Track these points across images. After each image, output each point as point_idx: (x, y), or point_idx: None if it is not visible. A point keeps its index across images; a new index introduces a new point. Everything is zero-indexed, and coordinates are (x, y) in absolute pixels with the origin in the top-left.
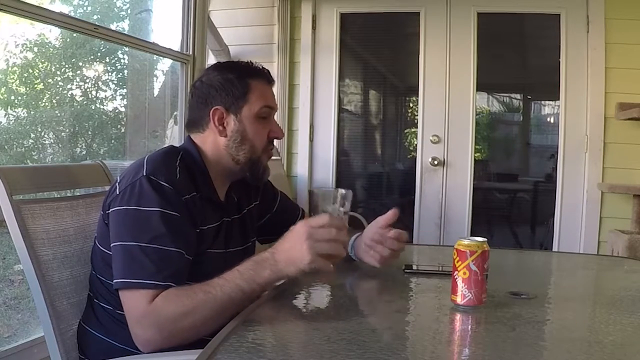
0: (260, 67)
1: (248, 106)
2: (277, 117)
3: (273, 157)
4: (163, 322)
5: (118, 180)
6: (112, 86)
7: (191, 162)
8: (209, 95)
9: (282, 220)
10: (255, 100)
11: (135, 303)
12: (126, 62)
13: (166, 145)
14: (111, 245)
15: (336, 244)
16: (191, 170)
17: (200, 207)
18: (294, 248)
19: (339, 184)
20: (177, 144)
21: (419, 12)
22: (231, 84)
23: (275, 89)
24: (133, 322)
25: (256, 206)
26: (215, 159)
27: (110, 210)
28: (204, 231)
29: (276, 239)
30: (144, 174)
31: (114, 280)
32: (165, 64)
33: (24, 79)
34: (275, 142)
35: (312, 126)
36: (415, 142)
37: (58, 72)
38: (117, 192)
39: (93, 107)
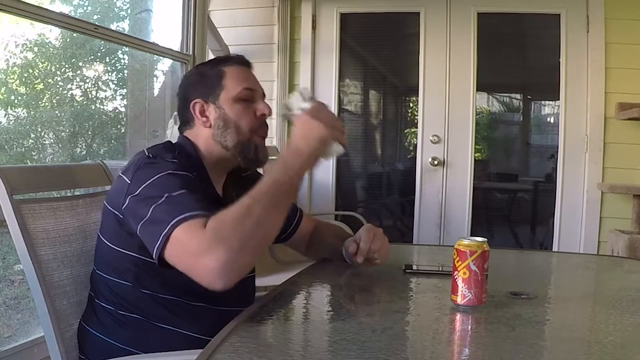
0: (234, 55)
1: (225, 91)
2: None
3: (272, 157)
4: (226, 232)
5: (123, 175)
6: (112, 86)
7: (187, 156)
8: (188, 92)
9: None
10: (232, 84)
11: (188, 236)
12: (126, 62)
13: None
14: (140, 225)
15: (337, 119)
16: (188, 163)
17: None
18: (306, 127)
19: (339, 184)
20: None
21: (419, 12)
22: (204, 76)
23: (275, 89)
24: (195, 254)
25: None
26: (208, 152)
27: (128, 200)
28: None
29: (276, 240)
30: (149, 156)
31: (157, 243)
32: (165, 64)
33: (24, 79)
34: (276, 141)
35: None
36: (415, 142)
37: (58, 72)
38: (129, 181)
39: (93, 107)
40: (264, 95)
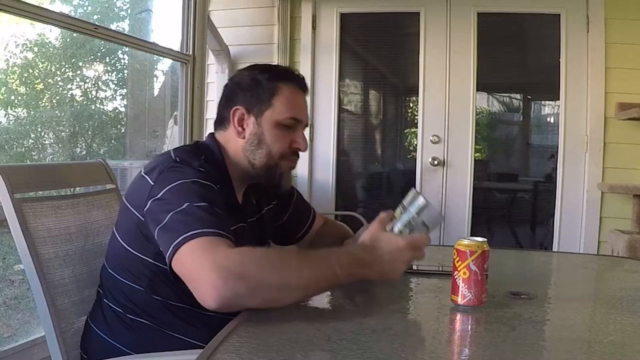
0: (295, 73)
1: (271, 111)
2: None
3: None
4: (249, 267)
5: (146, 176)
6: (112, 86)
7: (213, 163)
8: (234, 94)
9: (296, 219)
10: (281, 107)
11: (210, 247)
12: (126, 62)
13: (165, 145)
14: (157, 229)
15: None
16: (214, 171)
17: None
18: (397, 256)
19: (339, 184)
20: (177, 145)
21: (419, 12)
22: (258, 85)
23: None
24: (208, 268)
25: (274, 206)
26: (235, 161)
27: (149, 204)
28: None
29: (289, 241)
30: (176, 160)
31: (169, 251)
32: (165, 64)
33: (24, 79)
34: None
35: (312, 126)
36: (415, 142)
37: (58, 72)
38: (152, 183)
39: (93, 107)
40: (307, 125)
